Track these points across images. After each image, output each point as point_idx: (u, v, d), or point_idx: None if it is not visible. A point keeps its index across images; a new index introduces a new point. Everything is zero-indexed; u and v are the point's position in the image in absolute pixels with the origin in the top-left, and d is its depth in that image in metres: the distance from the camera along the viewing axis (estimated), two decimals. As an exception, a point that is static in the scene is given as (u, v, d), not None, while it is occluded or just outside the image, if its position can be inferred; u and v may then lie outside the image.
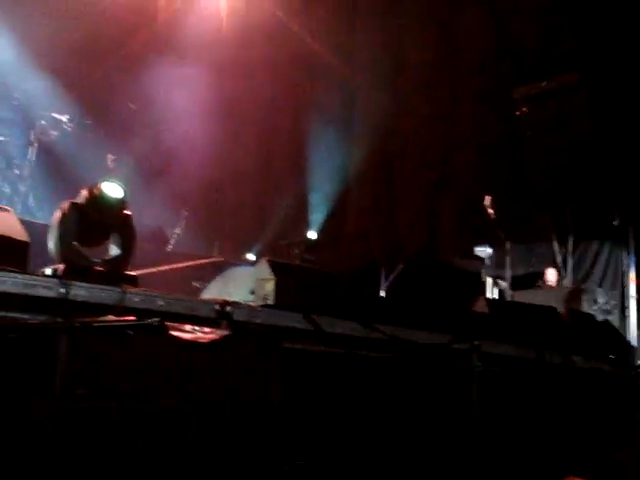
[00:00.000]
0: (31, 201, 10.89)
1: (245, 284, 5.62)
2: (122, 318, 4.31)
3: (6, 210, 4.91)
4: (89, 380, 4.20)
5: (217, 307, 4.86)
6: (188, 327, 4.58)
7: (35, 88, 11.52)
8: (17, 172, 11.17)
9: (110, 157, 9.57)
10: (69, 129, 11.04)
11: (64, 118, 10.77)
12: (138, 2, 10.93)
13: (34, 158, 10.99)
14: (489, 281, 7.70)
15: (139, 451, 4.29)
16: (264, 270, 5.48)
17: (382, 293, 7.17)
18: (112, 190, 5.11)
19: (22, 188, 10.79)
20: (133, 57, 10.53)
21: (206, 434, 4.61)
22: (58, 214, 4.97)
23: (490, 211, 8.16)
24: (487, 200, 8.16)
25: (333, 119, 10.19)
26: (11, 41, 11.69)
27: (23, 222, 4.99)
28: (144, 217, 7.27)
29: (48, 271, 4.74)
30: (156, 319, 4.38)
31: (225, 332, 4.71)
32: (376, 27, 10.34)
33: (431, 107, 10.12)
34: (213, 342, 4.63)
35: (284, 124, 10.65)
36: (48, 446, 4.03)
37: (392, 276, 6.01)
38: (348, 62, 10.54)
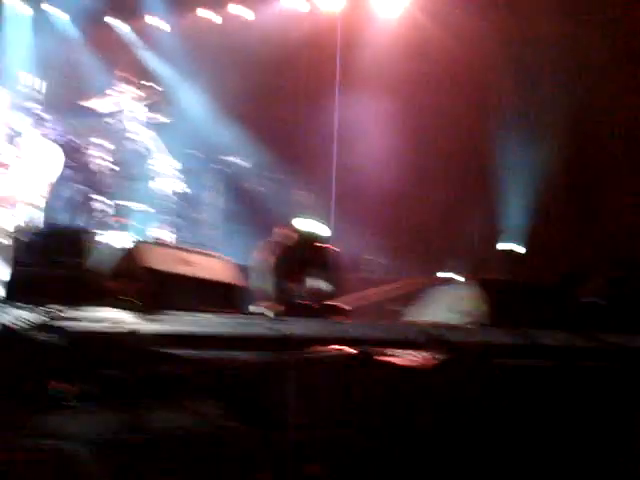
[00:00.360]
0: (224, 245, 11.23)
1: (446, 303, 5.62)
2: (339, 348, 4.41)
3: (218, 256, 5.16)
4: (309, 410, 4.32)
5: (431, 331, 4.89)
6: (402, 353, 4.64)
7: (223, 136, 11.99)
8: (206, 217, 11.63)
9: (301, 194, 9.84)
10: (257, 174, 11.45)
11: (248, 164, 11.17)
12: (312, 40, 11.18)
13: (223, 204, 11.49)
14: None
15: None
16: (468, 288, 5.47)
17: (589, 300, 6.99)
18: (314, 227, 5.26)
19: (212, 233, 11.21)
20: (313, 92, 10.76)
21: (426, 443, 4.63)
22: (264, 255, 5.16)
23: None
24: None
25: (521, 128, 10.00)
26: (201, 94, 12.25)
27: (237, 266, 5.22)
28: (340, 246, 7.40)
29: (263, 310, 4.94)
30: (366, 347, 4.45)
31: (440, 355, 4.72)
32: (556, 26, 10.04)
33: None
34: (429, 366, 4.66)
35: (472, 139, 10.55)
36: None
37: (600, 284, 5.84)
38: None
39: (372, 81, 9.08)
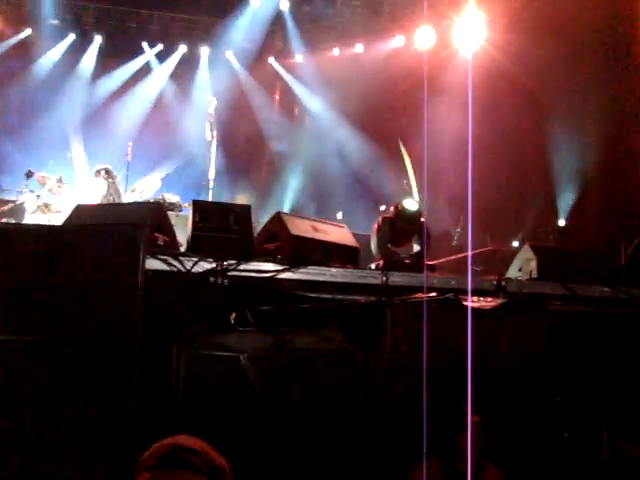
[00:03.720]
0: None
1: (514, 264, 5.56)
2: (427, 295, 4.45)
3: (341, 226, 5.25)
4: (408, 339, 4.37)
5: (495, 282, 4.88)
6: (475, 298, 4.64)
7: (344, 137, 12.10)
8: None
9: (405, 181, 9.87)
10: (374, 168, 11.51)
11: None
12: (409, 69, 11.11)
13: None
14: None
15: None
16: (528, 252, 5.40)
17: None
18: (410, 205, 5.29)
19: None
20: (410, 102, 10.68)
21: (494, 378, 4.61)
22: (375, 226, 5.23)
23: None
24: None
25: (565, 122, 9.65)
26: (326, 104, 12.37)
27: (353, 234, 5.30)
28: (434, 221, 7.37)
29: (373, 266, 5.00)
30: (451, 294, 4.47)
31: (503, 300, 4.70)
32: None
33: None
34: (494, 308, 4.65)
35: (531, 135, 10.29)
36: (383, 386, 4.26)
37: (630, 249, 5.65)
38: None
39: (453, 98, 8.97)
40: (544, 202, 10.19)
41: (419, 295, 4.44)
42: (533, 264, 5.19)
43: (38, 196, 9.20)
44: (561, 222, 10.10)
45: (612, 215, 9.28)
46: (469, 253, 7.96)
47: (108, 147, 11.59)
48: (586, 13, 9.51)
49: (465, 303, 4.44)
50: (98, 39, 12.19)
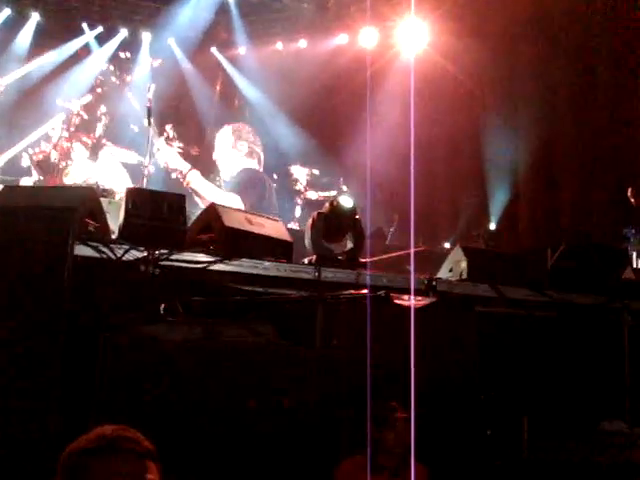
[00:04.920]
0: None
1: (445, 265, 5.65)
2: (358, 292, 4.47)
3: (276, 220, 5.23)
4: (339, 334, 4.40)
5: (426, 281, 4.94)
6: (406, 297, 4.69)
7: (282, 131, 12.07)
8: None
9: (341, 180, 9.93)
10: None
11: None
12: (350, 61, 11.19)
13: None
14: (634, 255, 7.34)
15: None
16: (459, 254, 5.49)
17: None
18: (346, 202, 5.31)
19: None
20: (349, 99, 10.74)
21: (423, 377, 4.67)
22: (310, 221, 5.22)
23: (632, 200, 7.77)
24: (629, 192, 7.81)
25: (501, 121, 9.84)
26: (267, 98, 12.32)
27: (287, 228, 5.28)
28: (368, 220, 7.41)
29: (306, 261, 5.00)
30: (383, 291, 4.50)
31: (433, 299, 4.77)
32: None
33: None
34: (424, 307, 4.71)
35: (468, 138, 10.47)
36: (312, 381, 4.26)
37: (556, 254, 5.81)
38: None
39: (393, 99, 9.06)
40: (477, 205, 10.39)
41: (351, 292, 4.46)
42: (464, 265, 5.28)
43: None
44: (492, 226, 10.31)
45: (541, 220, 9.54)
46: (401, 253, 8.08)
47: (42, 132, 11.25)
48: (524, 13, 9.74)
49: (397, 301, 4.49)
50: (35, 16, 11.80)
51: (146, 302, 3.96)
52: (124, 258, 4.01)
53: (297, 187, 11.17)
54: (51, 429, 3.48)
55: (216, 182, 9.76)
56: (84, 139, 10.84)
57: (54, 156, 10.23)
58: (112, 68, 11.89)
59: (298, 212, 11.45)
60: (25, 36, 11.86)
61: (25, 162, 9.93)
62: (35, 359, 3.56)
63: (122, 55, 12.29)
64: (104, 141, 11.03)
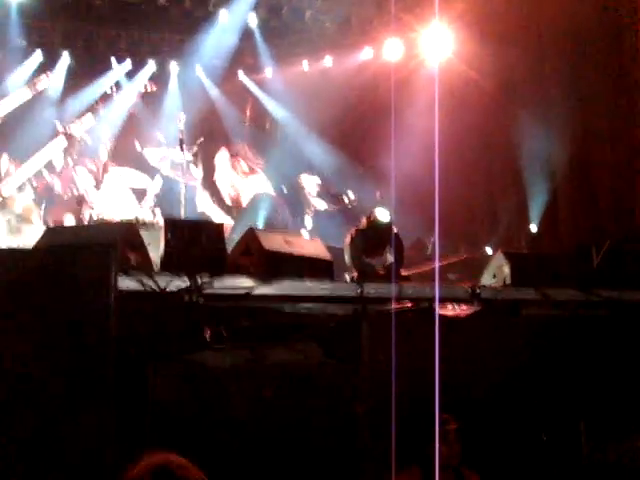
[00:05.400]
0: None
1: (488, 271, 5.59)
2: (402, 305, 4.45)
3: (315, 240, 5.25)
4: (385, 349, 4.36)
5: (469, 289, 4.89)
6: (450, 306, 4.66)
7: (314, 149, 12.15)
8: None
9: (378, 193, 9.92)
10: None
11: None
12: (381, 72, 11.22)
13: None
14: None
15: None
16: (501, 259, 5.44)
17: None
18: (382, 216, 5.31)
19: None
20: (377, 112, 10.74)
21: (474, 385, 4.63)
22: (348, 238, 5.23)
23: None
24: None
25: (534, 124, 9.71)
26: (296, 118, 12.41)
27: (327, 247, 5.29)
28: (407, 231, 7.38)
29: (347, 278, 5.00)
30: (426, 303, 4.47)
31: (477, 308, 4.72)
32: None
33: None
34: (469, 316, 4.67)
35: (500, 141, 10.37)
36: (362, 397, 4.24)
37: (602, 252, 5.70)
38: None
39: (421, 109, 9.03)
40: (515, 208, 10.27)
41: (394, 305, 4.44)
42: (506, 270, 5.22)
43: (8, 220, 9.10)
44: (533, 227, 10.18)
45: (583, 219, 9.38)
46: (443, 263, 8.04)
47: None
48: (549, 19, 9.67)
49: (441, 312, 4.46)
50: (66, 57, 12.08)
51: (192, 330, 3.99)
52: (168, 289, 4.05)
53: (307, 197, 11.29)
54: (107, 459, 3.52)
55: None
56: (89, 165, 10.99)
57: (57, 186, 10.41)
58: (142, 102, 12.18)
59: (309, 223, 11.57)
60: (58, 77, 12.13)
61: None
62: (87, 391, 3.62)
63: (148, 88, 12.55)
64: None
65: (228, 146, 11.77)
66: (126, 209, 10.56)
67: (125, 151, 11.73)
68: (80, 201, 10.18)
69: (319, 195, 11.48)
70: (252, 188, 12.49)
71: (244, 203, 12.30)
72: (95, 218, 10.12)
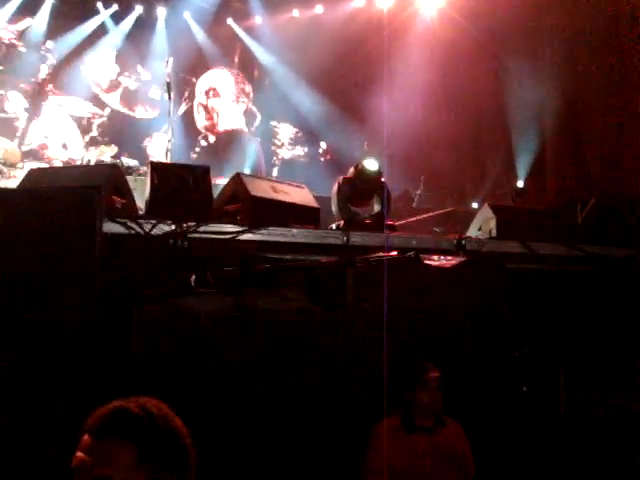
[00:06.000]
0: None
1: (474, 223, 5.59)
2: (388, 254, 4.45)
3: (301, 187, 5.21)
4: (369, 297, 4.38)
5: (455, 241, 4.90)
6: (435, 257, 4.66)
7: (302, 97, 12.04)
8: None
9: (365, 144, 9.85)
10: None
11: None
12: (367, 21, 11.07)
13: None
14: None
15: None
16: (487, 211, 5.43)
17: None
18: (371, 165, 5.26)
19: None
20: (368, 62, 10.63)
21: (456, 335, 4.68)
22: (336, 186, 5.19)
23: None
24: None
25: (524, 77, 9.63)
26: (285, 66, 12.27)
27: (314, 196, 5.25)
28: (395, 183, 7.35)
29: (333, 226, 4.98)
30: (412, 252, 4.48)
31: (462, 259, 4.74)
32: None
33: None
34: (454, 266, 4.68)
35: (489, 95, 10.29)
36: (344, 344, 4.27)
37: (587, 208, 5.72)
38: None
39: (413, 58, 8.92)
40: (503, 162, 10.26)
41: (380, 254, 4.44)
42: (492, 223, 5.22)
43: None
44: (520, 183, 10.19)
45: (570, 176, 9.39)
46: (428, 215, 8.03)
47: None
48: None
49: (426, 262, 4.47)
50: (50, -1, 11.78)
51: (176, 275, 3.98)
52: (153, 232, 4.02)
53: (276, 146, 11.26)
54: (87, 404, 3.53)
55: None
56: (21, 85, 10.58)
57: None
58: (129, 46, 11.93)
59: (275, 172, 11.56)
60: (41, 19, 11.83)
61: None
62: (70, 336, 3.61)
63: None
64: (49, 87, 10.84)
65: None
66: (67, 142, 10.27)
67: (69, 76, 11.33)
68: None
69: (291, 143, 11.44)
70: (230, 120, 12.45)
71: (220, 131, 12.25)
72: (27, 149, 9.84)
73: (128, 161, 9.54)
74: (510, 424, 4.67)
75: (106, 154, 10.11)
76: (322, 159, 11.96)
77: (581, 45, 9.19)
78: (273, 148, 11.93)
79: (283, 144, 11.41)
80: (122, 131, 11.02)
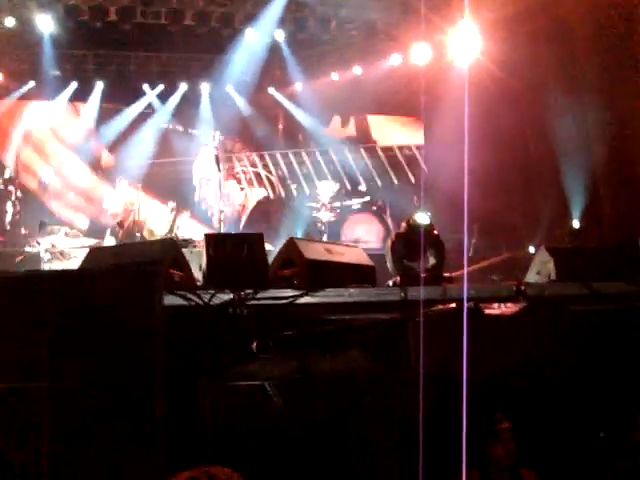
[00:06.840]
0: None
1: (532, 268, 5.51)
2: (447, 307, 4.42)
3: (355, 247, 5.25)
4: (432, 353, 4.33)
5: (514, 287, 4.83)
6: (495, 305, 4.61)
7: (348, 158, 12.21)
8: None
9: (415, 198, 9.92)
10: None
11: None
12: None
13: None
14: None
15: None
16: (544, 255, 5.36)
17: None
18: (422, 219, 5.29)
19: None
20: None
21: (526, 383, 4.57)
22: (389, 243, 5.23)
23: None
24: None
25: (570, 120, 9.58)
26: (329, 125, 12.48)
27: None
28: (447, 233, 7.33)
29: (390, 283, 4.99)
30: (471, 303, 4.43)
31: (523, 305, 4.67)
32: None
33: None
34: (515, 314, 4.61)
35: (536, 139, 10.26)
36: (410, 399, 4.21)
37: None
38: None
39: (451, 110, 8.98)
40: (556, 204, 10.14)
41: (439, 307, 4.41)
42: (550, 266, 5.14)
43: (53, 244, 9.29)
44: (575, 224, 10.03)
45: (625, 213, 9.21)
46: (486, 263, 7.96)
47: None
48: (579, 17, 9.55)
49: (486, 311, 4.42)
50: (100, 85, 12.33)
51: (238, 342, 4.02)
52: (212, 303, 4.09)
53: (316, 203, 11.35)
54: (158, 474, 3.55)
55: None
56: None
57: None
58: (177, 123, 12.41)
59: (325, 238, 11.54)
60: (93, 104, 12.39)
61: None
62: (135, 410, 3.65)
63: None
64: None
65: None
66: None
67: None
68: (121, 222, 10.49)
69: (330, 202, 11.55)
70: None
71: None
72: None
73: (183, 234, 9.78)
74: (589, 471, 4.51)
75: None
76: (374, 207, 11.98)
77: (622, 86, 9.13)
78: (314, 214, 11.81)
79: (323, 205, 11.45)
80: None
